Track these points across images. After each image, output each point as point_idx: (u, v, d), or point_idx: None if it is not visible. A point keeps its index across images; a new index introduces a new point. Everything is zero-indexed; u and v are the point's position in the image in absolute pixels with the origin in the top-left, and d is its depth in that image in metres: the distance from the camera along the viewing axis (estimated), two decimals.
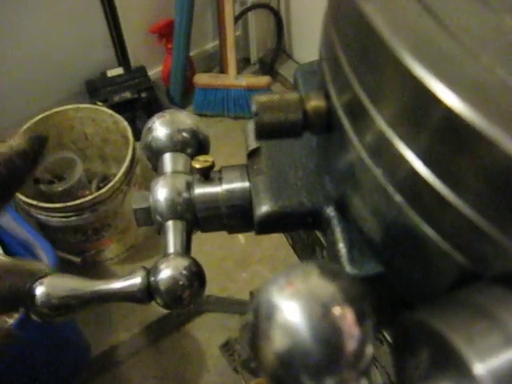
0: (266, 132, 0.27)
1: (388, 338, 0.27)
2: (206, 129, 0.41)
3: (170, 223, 0.35)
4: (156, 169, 0.41)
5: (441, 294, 0.23)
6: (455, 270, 0.21)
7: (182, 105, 1.98)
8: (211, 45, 2.06)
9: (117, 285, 0.33)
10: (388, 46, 0.20)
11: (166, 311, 1.52)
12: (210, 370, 1.54)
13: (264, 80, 1.91)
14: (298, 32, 2.05)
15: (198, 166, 0.35)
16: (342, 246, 0.30)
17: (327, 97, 0.27)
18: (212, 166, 0.35)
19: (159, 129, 0.40)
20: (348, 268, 0.29)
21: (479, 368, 0.18)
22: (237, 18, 1.90)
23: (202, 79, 1.93)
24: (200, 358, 1.56)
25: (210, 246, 1.58)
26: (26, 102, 1.74)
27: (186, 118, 0.40)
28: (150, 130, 0.40)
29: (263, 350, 0.19)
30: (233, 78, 1.91)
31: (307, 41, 2.03)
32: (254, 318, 0.20)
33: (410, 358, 0.20)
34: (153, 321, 1.54)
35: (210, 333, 1.58)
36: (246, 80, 1.91)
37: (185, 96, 1.99)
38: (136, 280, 0.33)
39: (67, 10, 1.69)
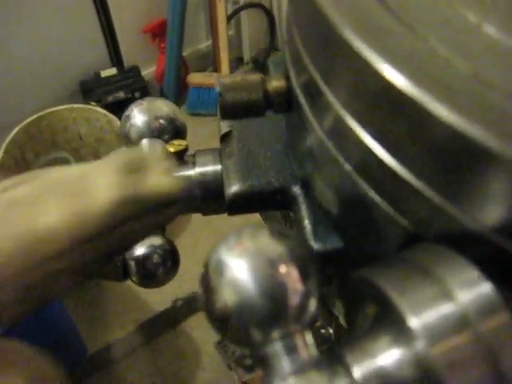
0: (229, 111, 0.28)
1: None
2: (182, 116, 0.43)
3: None
4: None
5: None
6: (400, 234, 0.23)
7: (176, 104, 1.99)
8: (204, 44, 2.08)
9: None
10: (330, 23, 0.21)
11: (160, 309, 1.53)
12: (206, 367, 1.55)
13: None
14: None
15: (172, 149, 0.36)
16: (307, 223, 0.31)
17: (287, 78, 0.28)
18: (186, 150, 0.37)
19: (137, 116, 0.41)
20: (312, 243, 0.31)
21: (413, 320, 0.19)
22: (229, 18, 1.92)
23: (195, 79, 1.95)
24: (195, 355, 1.57)
25: (203, 245, 1.59)
26: (20, 102, 1.75)
27: (163, 106, 0.42)
28: (129, 117, 0.41)
29: (215, 305, 0.20)
30: None
31: None
32: (206, 275, 0.21)
33: (358, 313, 0.22)
34: (148, 319, 1.55)
35: (204, 330, 1.59)
36: None
37: (178, 95, 2.00)
38: None
39: (60, 11, 1.71)
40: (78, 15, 1.76)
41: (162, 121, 0.41)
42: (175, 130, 0.41)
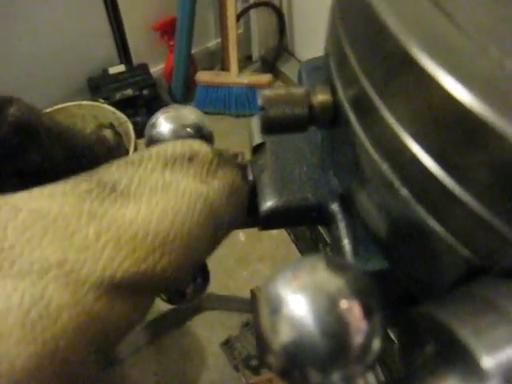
0: (272, 127, 0.27)
1: (392, 334, 0.27)
2: (209, 124, 0.41)
3: None
4: None
5: (447, 288, 0.23)
6: (462, 265, 0.21)
7: (184, 102, 1.99)
8: (213, 42, 2.07)
9: None
10: (397, 40, 0.20)
11: (166, 309, 1.52)
12: (211, 368, 1.54)
13: (266, 78, 1.91)
14: (299, 30, 2.05)
15: None
16: (346, 242, 0.30)
17: (333, 91, 0.27)
18: None
19: (163, 124, 0.40)
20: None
21: (487, 361, 0.18)
22: (239, 16, 1.90)
23: (203, 77, 1.93)
24: (200, 355, 1.56)
25: None
26: (28, 99, 1.73)
27: (190, 114, 0.40)
28: (154, 125, 0.40)
29: (270, 343, 0.19)
30: (234, 76, 1.91)
31: (309, 39, 2.02)
32: (261, 311, 0.20)
33: (416, 354, 0.20)
34: (153, 318, 1.54)
35: (210, 330, 1.58)
36: (248, 78, 1.91)
37: (186, 93, 1.99)
38: None
39: (69, 7, 1.69)
40: (87, 11, 1.74)
41: (189, 129, 0.39)
42: (202, 139, 0.40)
